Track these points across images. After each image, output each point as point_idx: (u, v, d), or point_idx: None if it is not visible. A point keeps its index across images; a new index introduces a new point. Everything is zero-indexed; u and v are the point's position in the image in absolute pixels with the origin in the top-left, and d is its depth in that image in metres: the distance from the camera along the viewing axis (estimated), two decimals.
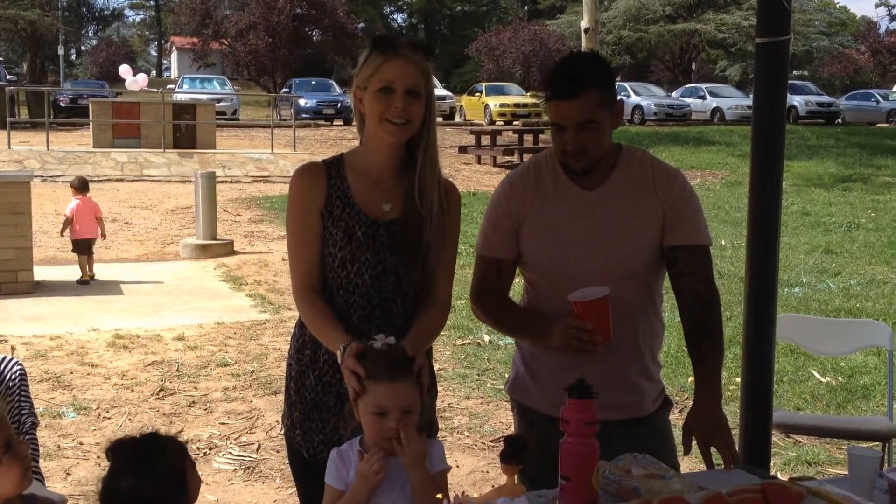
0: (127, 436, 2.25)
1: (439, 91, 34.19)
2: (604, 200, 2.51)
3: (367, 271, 2.43)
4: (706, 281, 2.52)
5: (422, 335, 2.40)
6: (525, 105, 31.25)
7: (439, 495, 1.81)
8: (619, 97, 2.54)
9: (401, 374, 2.16)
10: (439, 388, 2.31)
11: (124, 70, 23.48)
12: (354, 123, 2.53)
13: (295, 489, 4.53)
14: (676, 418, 3.14)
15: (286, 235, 2.56)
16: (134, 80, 22.87)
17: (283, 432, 2.65)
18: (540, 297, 2.59)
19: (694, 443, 2.47)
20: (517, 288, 2.69)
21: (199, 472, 2.34)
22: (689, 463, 3.57)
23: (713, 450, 2.43)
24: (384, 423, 2.13)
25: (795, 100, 31.41)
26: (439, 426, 2.76)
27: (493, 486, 2.18)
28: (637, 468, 2.13)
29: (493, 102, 31.51)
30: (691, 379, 2.61)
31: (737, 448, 2.60)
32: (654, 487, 2.02)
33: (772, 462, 3.61)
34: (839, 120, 33.02)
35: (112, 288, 9.13)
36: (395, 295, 2.44)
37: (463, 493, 1.87)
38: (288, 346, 2.63)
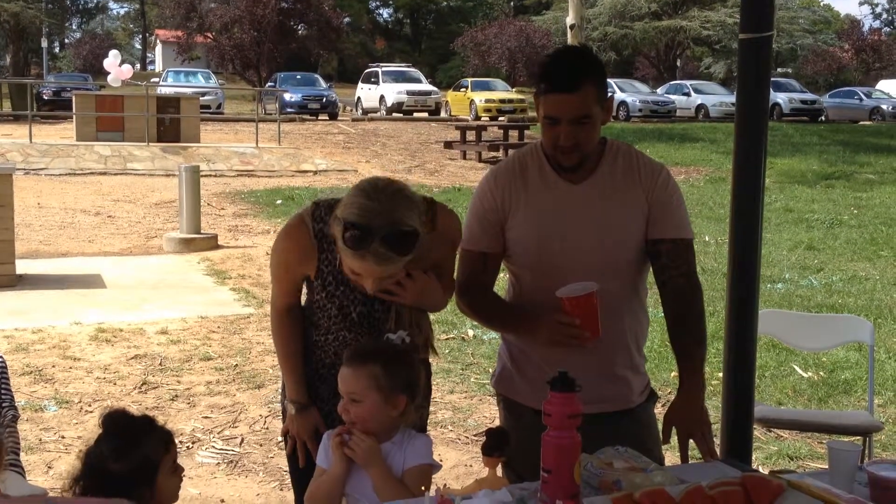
0: (124, 409, 2.29)
1: (425, 86, 34.24)
2: (590, 194, 2.51)
3: (362, 336, 2.49)
4: (689, 274, 2.53)
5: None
6: (510, 101, 31.26)
7: (422, 487, 1.82)
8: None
9: (354, 362, 2.24)
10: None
11: (111, 58, 23.21)
12: None
13: (277, 483, 4.55)
14: (660, 412, 3.16)
15: (270, 263, 2.60)
16: (119, 70, 22.68)
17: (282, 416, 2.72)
18: (525, 291, 2.59)
19: (673, 436, 2.48)
20: (501, 283, 2.69)
21: (183, 466, 2.36)
22: (673, 458, 3.59)
23: (692, 444, 2.45)
24: (342, 405, 2.26)
25: (779, 97, 31.56)
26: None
27: (476, 480, 2.18)
28: (619, 461, 2.14)
29: (479, 98, 31.46)
30: (675, 374, 2.62)
31: (719, 442, 2.62)
32: (636, 480, 2.03)
33: (753, 456, 3.63)
34: (822, 117, 33.20)
35: (95, 281, 9.08)
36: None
37: (445, 485, 1.87)
38: (272, 341, 2.67)
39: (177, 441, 4.81)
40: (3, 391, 3.07)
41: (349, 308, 2.45)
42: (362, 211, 2.16)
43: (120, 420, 2.26)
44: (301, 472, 2.58)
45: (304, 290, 2.60)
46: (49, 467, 4.60)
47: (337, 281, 2.43)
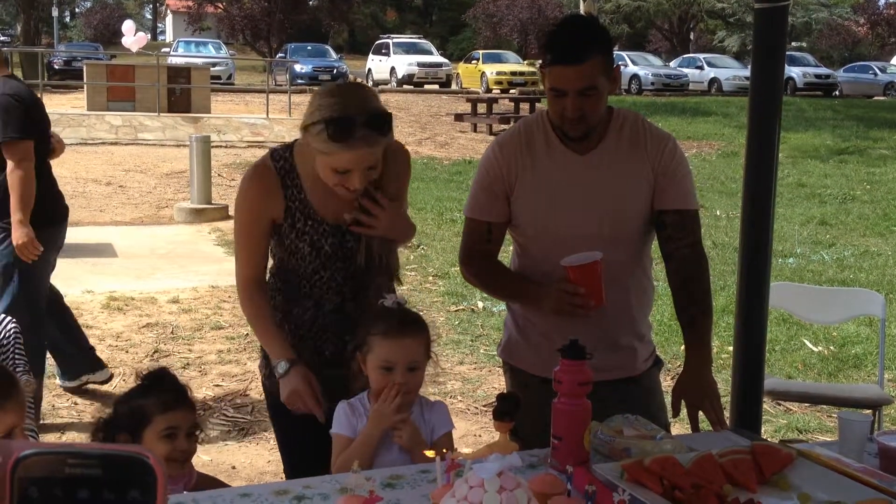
0: (166, 370, 2.56)
1: (436, 58, 34.06)
2: (596, 164, 2.50)
3: (339, 274, 2.50)
4: (695, 245, 2.52)
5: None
6: (522, 73, 31.08)
7: (430, 452, 1.82)
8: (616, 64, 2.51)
9: (409, 331, 2.22)
10: (431, 355, 2.34)
11: (128, 27, 23.22)
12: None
13: None
14: (668, 385, 3.17)
15: (234, 227, 2.58)
16: (135, 40, 22.67)
17: (261, 379, 2.76)
18: (530, 261, 2.59)
19: (683, 409, 2.49)
20: (506, 253, 2.69)
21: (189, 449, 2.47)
22: (683, 429, 3.60)
23: (701, 415, 2.45)
24: (390, 377, 2.20)
25: (793, 71, 31.29)
26: (432, 391, 2.79)
27: (487, 444, 2.19)
28: (629, 429, 2.14)
29: (490, 70, 31.32)
30: (684, 347, 2.62)
31: (728, 414, 2.62)
32: (646, 448, 2.04)
33: (763, 429, 3.64)
34: (837, 92, 32.94)
35: (106, 251, 9.12)
36: (369, 283, 2.50)
37: (455, 449, 1.89)
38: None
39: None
40: (17, 355, 3.09)
41: (321, 241, 2.45)
42: (337, 105, 2.28)
43: (166, 376, 2.47)
44: (293, 438, 2.61)
45: (270, 258, 2.60)
46: (62, 433, 4.64)
47: (305, 216, 2.45)
